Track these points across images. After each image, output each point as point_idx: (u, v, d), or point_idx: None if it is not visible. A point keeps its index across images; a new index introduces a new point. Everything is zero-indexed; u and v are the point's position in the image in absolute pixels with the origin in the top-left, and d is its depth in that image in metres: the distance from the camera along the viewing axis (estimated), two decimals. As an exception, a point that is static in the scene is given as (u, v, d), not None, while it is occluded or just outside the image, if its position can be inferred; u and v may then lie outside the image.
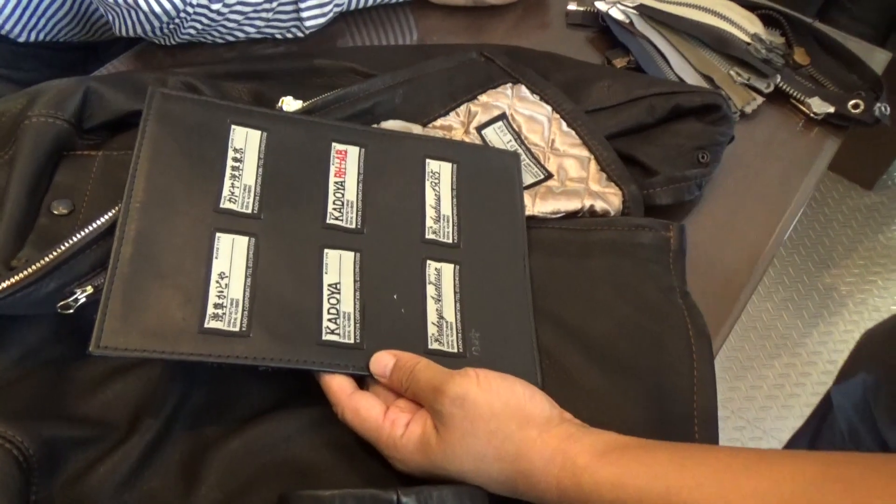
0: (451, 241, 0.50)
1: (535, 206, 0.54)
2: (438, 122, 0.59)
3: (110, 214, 0.45)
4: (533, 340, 0.48)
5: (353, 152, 0.51)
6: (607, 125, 0.60)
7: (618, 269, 0.52)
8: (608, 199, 0.55)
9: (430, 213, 0.51)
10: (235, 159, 0.48)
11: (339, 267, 0.46)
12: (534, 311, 0.49)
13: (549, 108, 0.60)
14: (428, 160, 0.53)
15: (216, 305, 0.42)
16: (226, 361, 0.41)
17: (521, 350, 0.47)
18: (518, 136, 0.59)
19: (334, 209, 0.48)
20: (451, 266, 0.49)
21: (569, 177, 0.57)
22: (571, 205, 0.54)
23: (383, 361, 0.43)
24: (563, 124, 0.60)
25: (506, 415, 0.38)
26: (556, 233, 0.54)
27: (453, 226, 0.51)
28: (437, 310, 0.47)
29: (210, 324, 0.42)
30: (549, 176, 0.57)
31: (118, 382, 0.44)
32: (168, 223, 0.44)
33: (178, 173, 0.46)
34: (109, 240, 0.43)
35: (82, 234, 0.44)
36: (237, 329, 0.42)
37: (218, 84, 0.56)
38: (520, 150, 0.57)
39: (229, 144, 0.48)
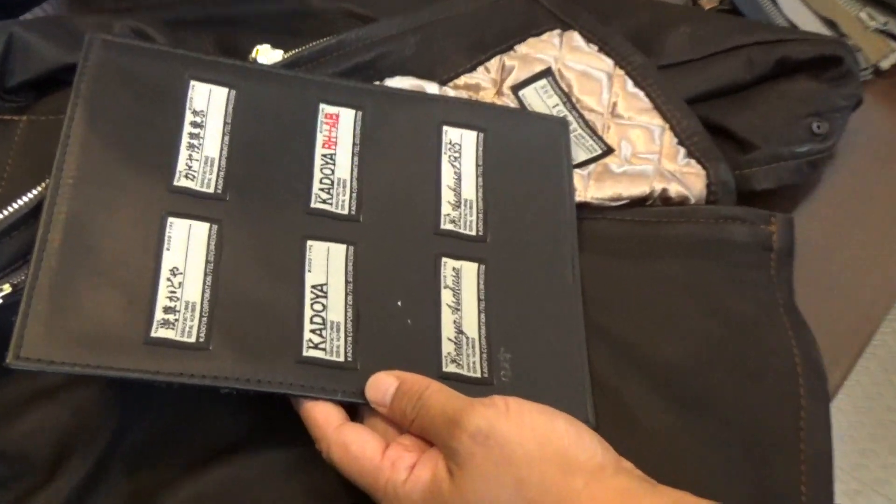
0: (474, 232, 0.52)
1: (589, 190, 0.56)
2: (462, 80, 0.61)
3: (35, 193, 0.48)
4: (583, 365, 0.49)
5: (348, 117, 0.54)
6: (689, 85, 0.62)
7: (699, 275, 0.53)
8: (688, 181, 0.57)
9: (447, 195, 0.53)
10: (195, 124, 0.51)
11: (327, 263, 0.49)
12: (585, 328, 0.51)
13: (610, 61, 0.62)
14: (446, 128, 0.55)
15: (167, 309, 0.45)
16: (178, 381, 0.43)
17: (565, 377, 0.49)
18: (567, 98, 0.61)
19: (322, 189, 0.51)
20: (475, 265, 0.51)
21: (635, 152, 0.59)
22: (637, 189, 0.56)
23: (383, 384, 0.44)
24: (629, 83, 0.62)
25: (543, 458, 0.39)
26: (616, 226, 0.56)
27: (478, 213, 0.53)
28: (454, 322, 0.49)
29: (158, 332, 0.44)
30: (607, 151, 0.59)
31: (41, 408, 0.46)
32: (107, 205, 0.47)
33: (121, 142, 0.49)
34: (34, 225, 0.46)
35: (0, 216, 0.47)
36: (193, 340, 0.44)
37: (177, 33, 0.60)
38: (569, 117, 0.59)
39: (187, 105, 0.51)
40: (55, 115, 0.56)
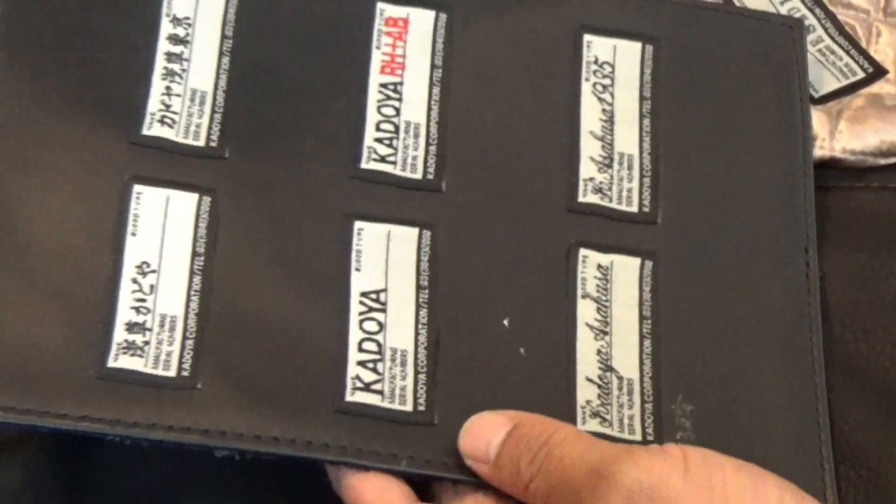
0: (635, 208, 0.55)
1: (840, 137, 0.59)
2: None
3: None
4: (818, 421, 0.51)
5: (423, 22, 0.58)
6: None
7: None
8: None
9: (589, 148, 0.56)
10: (175, 39, 0.56)
11: (387, 258, 0.52)
12: (826, 363, 0.53)
13: None
14: (588, 37, 0.59)
15: (131, 326, 0.49)
16: (148, 436, 0.47)
17: (787, 440, 0.50)
18: None
19: (379, 140, 0.55)
20: (636, 261, 0.54)
21: None
22: None
23: (488, 429, 0.48)
24: None
25: None
26: (887, 198, 0.58)
27: (642, 176, 0.56)
28: (599, 352, 0.52)
29: (119, 361, 0.48)
30: (876, 73, 0.61)
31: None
32: (40, 170, 0.52)
33: (59, 72, 0.54)
34: None
35: None
36: (172, 373, 0.48)
37: None
38: (808, 16, 0.62)
39: (163, 9, 0.56)
40: None
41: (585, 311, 0.54)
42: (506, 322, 0.53)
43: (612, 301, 0.54)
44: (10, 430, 0.53)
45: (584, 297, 0.54)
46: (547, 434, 0.47)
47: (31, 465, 0.53)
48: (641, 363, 0.53)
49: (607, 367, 0.52)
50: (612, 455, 0.44)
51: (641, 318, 0.54)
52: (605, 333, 0.53)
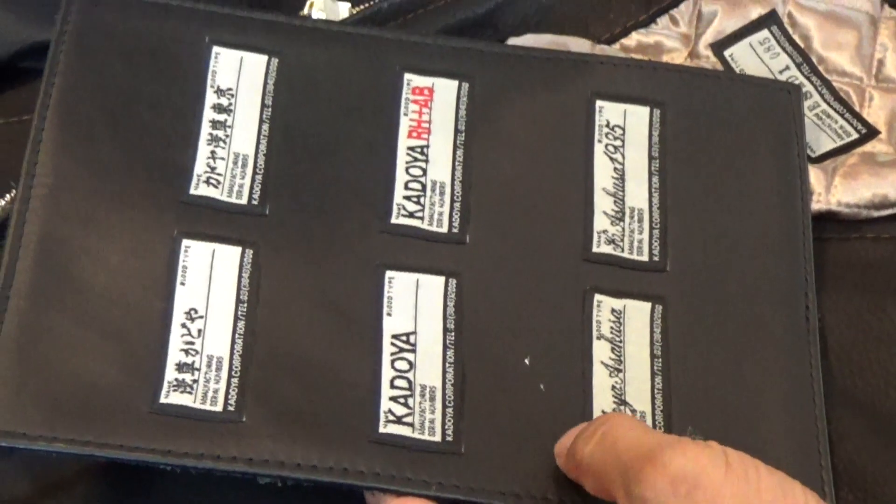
0: (646, 256, 0.59)
1: (835, 192, 0.63)
2: (633, 39, 0.70)
3: None
4: (819, 451, 0.54)
5: (447, 91, 0.62)
6: None
7: None
8: None
9: (603, 203, 0.60)
10: (219, 108, 0.60)
11: (416, 304, 0.56)
12: (826, 396, 0.56)
13: None
14: (601, 103, 0.63)
15: (181, 366, 0.52)
16: (198, 465, 0.50)
17: (791, 462, 0.51)
18: (804, 56, 0.68)
19: (408, 198, 0.59)
20: (647, 305, 0.57)
21: None
22: None
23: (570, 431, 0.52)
24: None
25: None
26: (879, 248, 0.62)
27: (651, 228, 0.60)
28: (614, 388, 0.55)
29: (170, 397, 0.51)
30: (868, 134, 0.65)
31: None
32: (96, 223, 0.55)
33: (114, 135, 0.58)
34: None
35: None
36: (219, 408, 0.52)
37: None
38: (805, 83, 0.66)
39: (208, 81, 0.60)
40: (18, 118, 0.66)
41: (600, 351, 0.57)
42: (527, 361, 0.56)
43: (626, 341, 0.58)
44: (70, 465, 0.56)
45: (598, 338, 0.57)
46: (606, 417, 0.51)
47: (89, 499, 0.56)
48: (653, 398, 0.56)
49: (621, 402, 0.56)
50: (661, 442, 0.47)
51: (653, 356, 0.57)
52: (619, 371, 0.57)
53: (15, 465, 0.55)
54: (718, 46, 0.69)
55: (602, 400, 0.56)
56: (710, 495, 0.45)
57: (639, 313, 0.58)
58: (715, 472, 0.46)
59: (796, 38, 0.69)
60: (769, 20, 0.70)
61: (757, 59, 0.69)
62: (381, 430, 0.53)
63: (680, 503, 0.45)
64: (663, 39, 0.70)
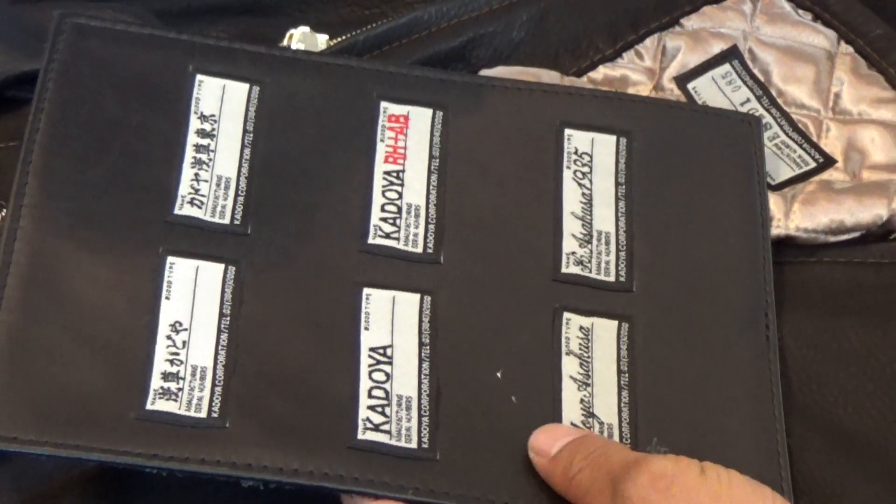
0: (612, 277, 0.61)
1: (794, 217, 0.65)
2: (601, 73, 0.72)
3: None
4: (781, 458, 0.57)
5: (421, 119, 0.64)
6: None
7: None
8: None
9: (571, 226, 0.62)
10: (203, 133, 0.62)
11: (392, 319, 0.58)
12: (786, 412, 0.58)
13: (831, 33, 0.72)
14: (569, 131, 0.65)
15: (167, 375, 0.54)
16: (184, 469, 0.52)
17: (752, 474, 0.51)
18: (764, 89, 0.70)
19: (384, 219, 0.61)
20: (613, 324, 0.60)
21: (869, 163, 0.68)
22: (869, 214, 0.65)
23: (560, 433, 0.55)
24: (863, 64, 0.71)
25: None
26: (835, 271, 0.64)
27: (618, 250, 0.62)
28: (582, 401, 0.57)
29: (156, 404, 0.53)
30: (825, 163, 0.68)
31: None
32: (84, 241, 0.57)
33: (101, 158, 0.60)
34: None
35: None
36: (203, 414, 0.54)
37: (179, 26, 0.72)
38: (765, 115, 0.69)
39: (192, 108, 0.62)
40: (6, 143, 0.69)
41: (569, 366, 0.59)
42: (499, 374, 0.58)
43: (594, 357, 0.60)
44: (58, 477, 0.58)
45: (567, 353, 0.59)
46: (605, 443, 0.54)
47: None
48: (620, 410, 0.58)
49: (589, 414, 0.58)
50: (646, 455, 0.51)
51: (619, 372, 0.59)
52: (588, 385, 0.59)
53: (3, 477, 0.57)
54: (682, 80, 0.72)
55: (571, 412, 0.58)
56: (686, 491, 0.49)
57: (606, 331, 0.60)
58: (691, 472, 0.50)
59: (757, 72, 0.72)
60: (731, 55, 0.72)
61: (719, 91, 0.71)
62: (360, 436, 0.55)
63: (659, 497, 0.49)
64: (629, 73, 0.72)
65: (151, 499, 0.58)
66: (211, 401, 0.55)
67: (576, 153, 0.65)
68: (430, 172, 0.64)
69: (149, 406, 0.54)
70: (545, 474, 0.54)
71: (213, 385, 0.55)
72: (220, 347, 0.57)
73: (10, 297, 0.56)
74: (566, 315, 0.61)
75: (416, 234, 0.62)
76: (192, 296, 0.58)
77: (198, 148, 0.63)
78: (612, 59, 0.73)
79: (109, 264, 0.58)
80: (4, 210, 0.60)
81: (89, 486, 0.59)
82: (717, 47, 0.72)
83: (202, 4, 0.76)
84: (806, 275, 0.65)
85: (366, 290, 0.60)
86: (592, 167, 0.65)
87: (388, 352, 0.58)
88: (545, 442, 0.55)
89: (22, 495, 0.58)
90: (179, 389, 0.55)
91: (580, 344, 0.60)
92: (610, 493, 0.51)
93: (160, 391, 0.55)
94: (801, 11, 0.74)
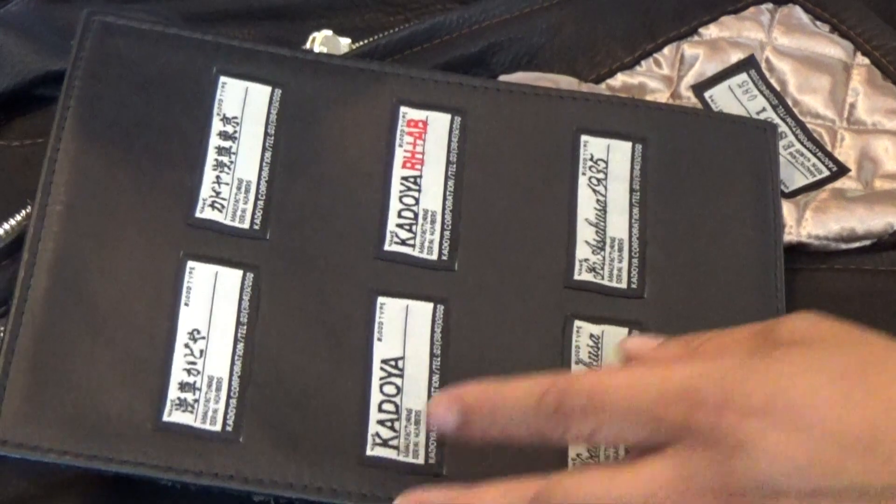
0: (624, 284, 0.62)
1: (806, 225, 0.66)
2: (619, 80, 0.72)
3: (13, 223, 0.61)
4: None
5: (440, 124, 0.65)
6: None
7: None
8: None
9: (584, 233, 0.63)
10: (225, 135, 0.63)
11: (405, 329, 0.59)
12: None
13: (847, 44, 0.73)
14: (585, 137, 0.66)
15: (184, 386, 0.55)
16: (195, 481, 0.53)
17: None
18: (779, 99, 0.71)
19: (400, 226, 0.62)
20: (624, 331, 0.60)
21: (881, 172, 0.68)
22: (881, 221, 0.65)
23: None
24: (878, 75, 0.72)
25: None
26: (846, 278, 0.65)
27: (631, 258, 0.62)
28: None
29: (172, 416, 0.54)
30: (839, 171, 0.68)
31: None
32: (108, 241, 0.58)
33: (126, 158, 0.61)
34: (11, 267, 0.58)
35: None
36: (217, 428, 0.54)
37: (204, 29, 0.71)
38: (780, 124, 0.69)
39: (215, 110, 0.63)
40: (32, 140, 0.69)
41: None
42: None
43: (603, 365, 0.60)
44: (72, 471, 0.57)
45: (577, 362, 0.60)
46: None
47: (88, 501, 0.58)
48: None
49: None
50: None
51: None
52: None
53: (14, 465, 0.56)
54: (699, 88, 0.72)
55: None
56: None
57: (616, 339, 0.61)
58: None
59: (773, 81, 0.72)
60: (748, 64, 0.72)
61: (735, 100, 0.71)
62: (369, 452, 0.56)
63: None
64: (647, 81, 0.73)
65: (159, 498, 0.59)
66: (226, 414, 0.56)
67: (591, 160, 0.66)
68: (447, 178, 0.65)
69: (165, 417, 0.55)
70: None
71: (228, 397, 0.56)
72: (235, 357, 0.58)
73: (35, 298, 0.57)
74: (577, 323, 0.61)
75: (431, 241, 0.63)
76: (211, 303, 0.59)
77: (220, 150, 0.63)
78: (631, 67, 0.73)
79: (132, 266, 0.59)
80: (30, 207, 0.61)
81: (103, 478, 0.59)
82: (735, 57, 0.73)
83: (228, 8, 0.76)
84: (817, 282, 0.65)
85: (380, 300, 0.60)
86: (608, 174, 0.66)
87: (400, 364, 0.59)
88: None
89: (34, 483, 0.58)
90: (196, 401, 0.56)
91: (590, 352, 0.60)
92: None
93: (177, 402, 0.56)
94: (818, 23, 0.74)
